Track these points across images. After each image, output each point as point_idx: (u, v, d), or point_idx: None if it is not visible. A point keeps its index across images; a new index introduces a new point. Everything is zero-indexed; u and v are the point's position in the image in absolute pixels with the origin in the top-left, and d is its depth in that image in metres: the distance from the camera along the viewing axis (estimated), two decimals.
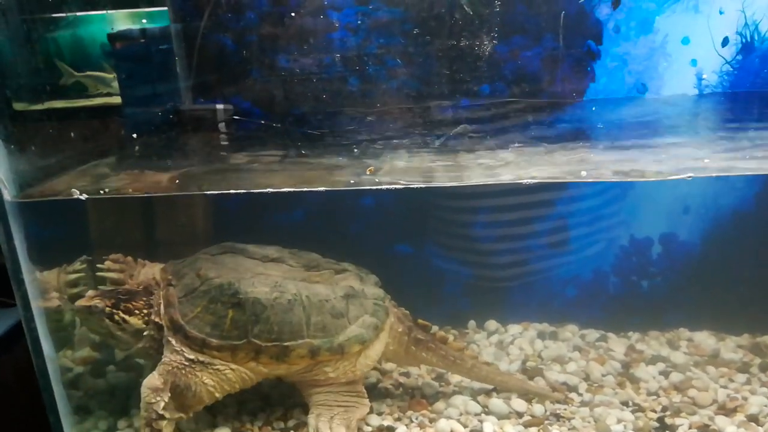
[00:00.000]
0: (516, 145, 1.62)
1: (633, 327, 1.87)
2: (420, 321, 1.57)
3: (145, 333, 1.42)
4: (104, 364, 1.74)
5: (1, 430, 1.71)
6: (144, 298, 1.43)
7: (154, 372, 1.38)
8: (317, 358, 1.41)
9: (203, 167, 1.72)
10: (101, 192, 1.39)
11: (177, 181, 1.52)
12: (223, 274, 1.44)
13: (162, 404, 1.35)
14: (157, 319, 1.42)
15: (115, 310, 1.39)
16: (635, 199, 1.88)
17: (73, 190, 1.35)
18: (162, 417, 1.35)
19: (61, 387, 1.45)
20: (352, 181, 1.39)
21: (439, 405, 1.56)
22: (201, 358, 1.38)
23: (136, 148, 1.85)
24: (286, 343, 1.39)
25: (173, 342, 1.39)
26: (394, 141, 1.69)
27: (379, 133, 1.75)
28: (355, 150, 1.60)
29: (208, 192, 1.55)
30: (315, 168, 1.55)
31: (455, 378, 1.68)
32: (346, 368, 1.44)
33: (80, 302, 1.39)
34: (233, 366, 1.39)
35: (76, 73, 1.92)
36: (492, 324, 1.94)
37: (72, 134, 1.68)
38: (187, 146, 1.95)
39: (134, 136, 1.90)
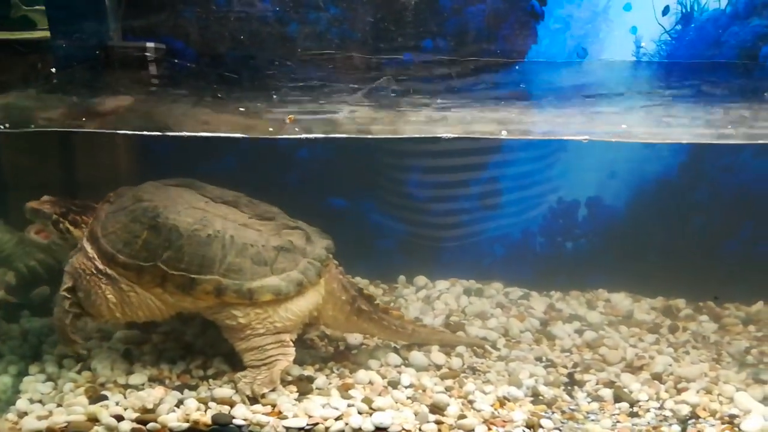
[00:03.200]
0: (439, 101, 1.60)
1: (556, 287, 1.92)
2: (366, 292, 1.55)
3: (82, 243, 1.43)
4: (19, 309, 1.69)
5: None
6: (89, 212, 1.46)
7: (69, 261, 1.43)
8: (223, 297, 1.38)
9: (116, 105, 1.64)
10: (1, 126, 1.32)
11: (84, 119, 1.45)
12: (154, 198, 1.42)
13: (69, 284, 1.41)
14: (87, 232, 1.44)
15: (62, 219, 1.43)
16: (566, 163, 1.91)
17: None
18: (65, 297, 1.41)
19: None
20: (271, 129, 1.36)
21: (361, 357, 1.58)
22: (108, 272, 1.39)
23: (54, 82, 1.76)
24: (193, 275, 1.38)
25: (89, 250, 1.41)
26: (321, 90, 1.64)
27: (306, 80, 1.70)
28: (275, 96, 1.55)
29: (117, 131, 1.50)
30: (237, 112, 1.50)
31: None
32: (260, 317, 1.40)
33: (31, 203, 1.44)
34: (138, 290, 1.40)
35: (24, 7, 1.82)
36: (421, 279, 1.96)
37: None
38: (108, 83, 1.85)
39: (53, 70, 1.80)
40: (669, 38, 1.92)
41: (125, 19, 1.99)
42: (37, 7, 1.87)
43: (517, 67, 1.97)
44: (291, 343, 1.45)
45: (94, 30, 1.96)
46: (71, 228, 1.43)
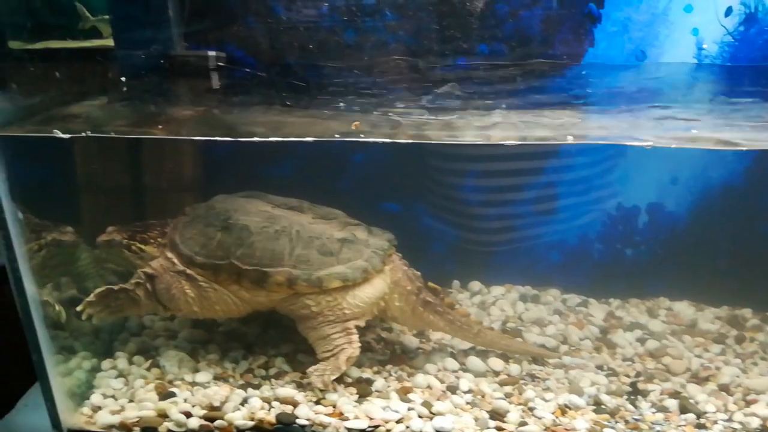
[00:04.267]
0: (504, 106, 1.60)
1: (614, 294, 1.89)
2: (431, 284, 1.59)
3: (153, 255, 1.53)
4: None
5: None
6: (159, 229, 1.56)
7: (152, 262, 1.52)
8: (294, 287, 1.46)
9: (189, 112, 1.70)
10: (83, 133, 1.38)
11: (160, 126, 1.51)
12: (225, 206, 1.55)
13: (149, 271, 1.49)
14: (165, 242, 1.53)
15: (132, 242, 1.53)
16: (626, 168, 1.88)
17: (54, 130, 1.33)
18: (140, 277, 1.49)
19: (45, 327, 1.47)
20: (337, 135, 1.38)
21: (419, 361, 1.59)
22: (188, 272, 1.49)
23: (124, 89, 1.83)
24: (265, 269, 1.46)
25: (169, 255, 1.51)
26: (384, 97, 1.67)
27: (368, 87, 1.73)
28: (341, 104, 1.58)
29: (195, 138, 1.55)
30: (301, 119, 1.54)
31: (436, 335, 1.70)
32: (330, 304, 1.48)
33: (101, 237, 1.53)
34: (216, 287, 1.49)
35: (92, 17, 1.91)
36: (476, 285, 1.96)
37: (57, 74, 1.66)
38: (175, 92, 1.92)
39: (123, 79, 1.87)
40: (732, 40, 1.87)
41: (188, 28, 2.05)
42: (104, 16, 1.95)
43: (573, 71, 1.96)
44: (355, 332, 1.50)
45: (159, 39, 2.03)
46: (143, 247, 1.54)
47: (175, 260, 1.49)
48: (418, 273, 1.59)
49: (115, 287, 1.48)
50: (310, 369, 1.46)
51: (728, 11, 1.85)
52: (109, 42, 1.96)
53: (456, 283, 1.98)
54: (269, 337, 1.67)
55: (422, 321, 1.58)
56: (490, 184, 1.94)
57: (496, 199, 1.94)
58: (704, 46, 1.89)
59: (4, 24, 1.60)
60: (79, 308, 1.46)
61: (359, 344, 1.48)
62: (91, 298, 1.47)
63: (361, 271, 1.48)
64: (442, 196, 1.99)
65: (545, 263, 1.96)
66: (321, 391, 1.43)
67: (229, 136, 1.40)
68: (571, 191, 1.91)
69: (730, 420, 1.39)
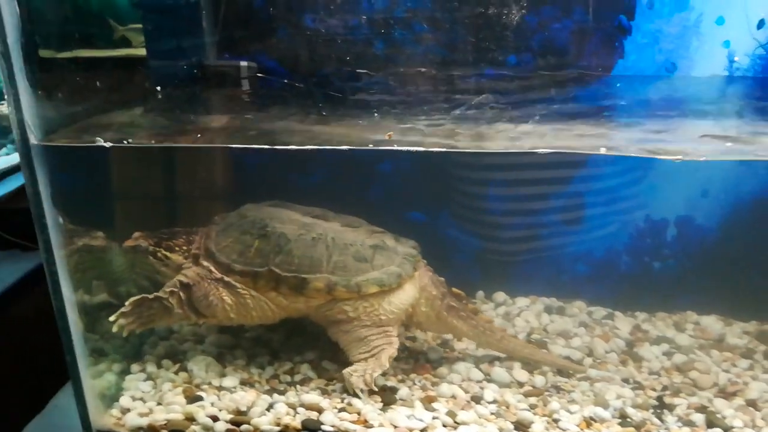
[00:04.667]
0: (537, 117, 1.61)
1: (641, 307, 1.87)
2: (454, 289, 1.62)
3: (184, 265, 1.55)
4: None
5: (20, 367, 1.79)
6: (184, 237, 1.58)
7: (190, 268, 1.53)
8: (333, 293, 1.49)
9: (224, 121, 1.74)
10: (125, 142, 1.42)
11: (199, 135, 1.55)
12: (258, 214, 1.58)
13: (184, 280, 1.50)
14: (196, 252, 1.55)
15: (157, 248, 1.55)
16: (654, 180, 1.87)
17: (97, 138, 1.37)
18: (176, 286, 1.49)
19: (79, 329, 1.51)
20: (370, 145, 1.40)
21: (443, 370, 1.60)
22: (226, 279, 1.51)
23: (160, 98, 1.87)
24: (304, 276, 1.49)
25: (204, 264, 1.53)
26: (416, 107, 1.69)
27: (401, 98, 1.75)
28: (376, 114, 1.60)
29: (233, 146, 1.58)
30: (335, 129, 1.57)
31: (460, 345, 1.71)
32: (366, 310, 1.51)
33: (127, 242, 1.56)
34: (254, 293, 1.51)
35: (120, 27, 1.96)
36: (500, 296, 1.96)
37: (98, 83, 1.70)
38: (210, 101, 1.96)
39: (158, 88, 1.92)
40: (764, 52, 1.85)
41: (221, 39, 2.09)
42: (132, 26, 2.00)
43: (604, 82, 1.95)
44: (395, 333, 1.53)
45: (192, 49, 2.07)
46: (168, 254, 1.56)
47: (212, 268, 1.51)
48: (442, 279, 1.61)
49: (150, 296, 1.49)
50: (347, 371, 1.48)
51: (761, 24, 1.83)
52: (139, 51, 2.02)
53: (480, 293, 1.98)
54: (294, 344, 1.69)
55: (446, 326, 1.60)
56: (515, 193, 1.94)
57: (522, 208, 1.95)
58: (736, 58, 1.88)
59: (36, 32, 1.65)
60: (111, 318, 1.46)
61: (398, 344, 1.52)
62: (125, 308, 1.47)
63: (396, 276, 1.52)
64: (468, 206, 2.00)
65: (571, 275, 1.95)
66: (364, 391, 1.45)
67: (263, 144, 1.43)
68: (598, 202, 1.90)
69: None
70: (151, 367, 1.60)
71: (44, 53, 1.60)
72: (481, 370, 1.59)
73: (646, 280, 1.89)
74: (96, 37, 1.93)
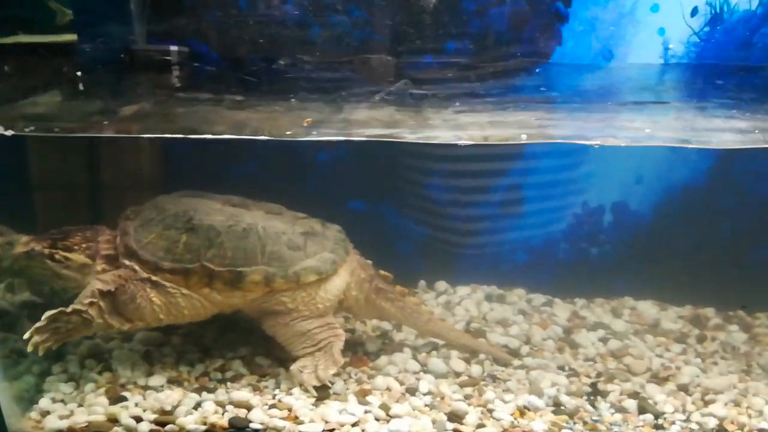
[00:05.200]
0: (457, 104, 1.58)
1: (580, 294, 1.89)
2: (382, 271, 1.59)
3: (98, 268, 1.43)
4: (44, 310, 1.71)
5: None
6: (80, 235, 1.46)
7: (109, 272, 1.42)
8: (272, 285, 1.43)
9: (136, 108, 1.66)
10: (26, 130, 1.33)
11: (106, 122, 1.47)
12: (179, 205, 1.48)
13: (102, 287, 1.38)
14: (108, 251, 1.44)
15: (53, 250, 1.42)
16: (590, 167, 1.87)
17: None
18: (94, 295, 1.37)
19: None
20: (288, 132, 1.36)
21: (380, 362, 1.57)
22: (153, 279, 1.41)
23: (78, 85, 1.78)
24: (240, 269, 1.42)
25: (126, 263, 1.42)
26: (337, 93, 1.64)
27: (325, 83, 1.70)
28: (293, 99, 1.56)
29: (145, 135, 1.50)
30: (254, 115, 1.52)
31: (399, 336, 1.69)
32: (305, 300, 1.47)
33: (17, 249, 1.41)
34: (185, 291, 1.42)
35: (68, 11, 1.86)
36: (441, 285, 1.94)
37: (7, 68, 1.61)
38: (132, 88, 1.87)
39: (79, 74, 1.82)
40: (698, 40, 1.87)
41: (149, 23, 2.01)
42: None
43: (540, 70, 1.94)
44: (337, 324, 1.50)
45: (119, 33, 1.98)
46: (68, 255, 1.43)
47: (137, 268, 1.41)
48: (369, 261, 1.59)
49: (67, 310, 1.36)
50: (295, 367, 1.44)
51: (694, 11, 1.84)
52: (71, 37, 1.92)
53: (422, 283, 1.96)
54: (227, 340, 1.63)
55: (375, 309, 1.58)
56: (457, 184, 1.92)
57: (463, 198, 1.93)
58: (671, 46, 1.89)
59: None
60: (25, 336, 1.34)
61: (344, 335, 1.49)
62: (40, 322, 1.35)
63: (331, 262, 1.49)
64: (410, 195, 1.97)
65: (511, 263, 1.95)
66: (316, 388, 1.41)
67: (172, 132, 1.37)
68: (537, 191, 1.90)
69: (687, 420, 1.39)
70: (73, 368, 1.52)
71: None
72: (418, 360, 1.57)
73: (585, 266, 1.91)
74: (37, 22, 1.84)
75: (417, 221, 1.97)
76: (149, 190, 1.79)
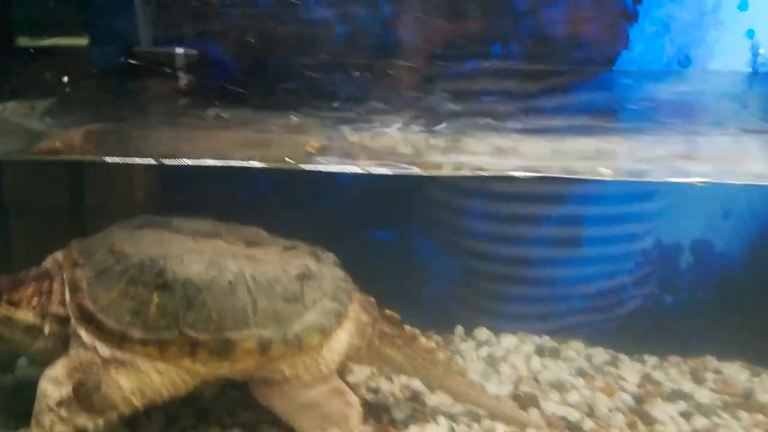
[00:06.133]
0: (509, 124, 1.30)
1: (650, 350, 1.57)
2: (386, 311, 1.30)
3: (45, 329, 1.15)
4: (14, 357, 1.47)
5: None
6: (34, 284, 1.17)
7: (58, 361, 1.12)
8: (269, 353, 1.14)
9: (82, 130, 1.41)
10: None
11: (87, 138, 1.22)
12: (141, 249, 1.16)
13: (57, 396, 1.08)
14: (59, 310, 1.15)
15: None
16: (665, 200, 1.57)
17: None
18: (52, 410, 1.08)
19: None
20: (287, 159, 1.09)
21: (411, 429, 1.29)
22: (119, 356, 1.11)
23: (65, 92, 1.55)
24: (228, 335, 1.12)
25: (83, 335, 1.12)
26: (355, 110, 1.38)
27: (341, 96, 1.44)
28: (293, 117, 1.28)
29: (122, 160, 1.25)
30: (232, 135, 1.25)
31: (433, 400, 1.40)
32: (306, 364, 1.18)
33: None
34: (161, 366, 1.12)
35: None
36: (483, 332, 1.65)
37: None
38: (118, 98, 1.63)
39: (64, 80, 1.59)
40: None
41: (156, 21, 1.79)
42: None
43: (604, 78, 1.67)
44: (346, 388, 1.22)
45: (122, 33, 1.76)
46: (13, 310, 1.15)
47: (94, 340, 1.11)
48: (372, 299, 1.30)
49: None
50: None
51: None
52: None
53: (459, 329, 1.67)
54: (227, 400, 1.36)
55: (378, 357, 1.30)
56: (503, 216, 1.63)
57: (511, 232, 1.64)
58: (761, 50, 1.60)
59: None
60: None
61: (358, 402, 1.21)
62: None
63: (335, 315, 1.19)
64: (448, 226, 1.68)
65: (567, 309, 1.65)
66: None
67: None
68: (599, 224, 1.60)
69: None
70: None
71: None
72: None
73: (656, 317, 1.60)
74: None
75: (455, 256, 1.69)
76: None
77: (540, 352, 1.58)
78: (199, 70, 1.76)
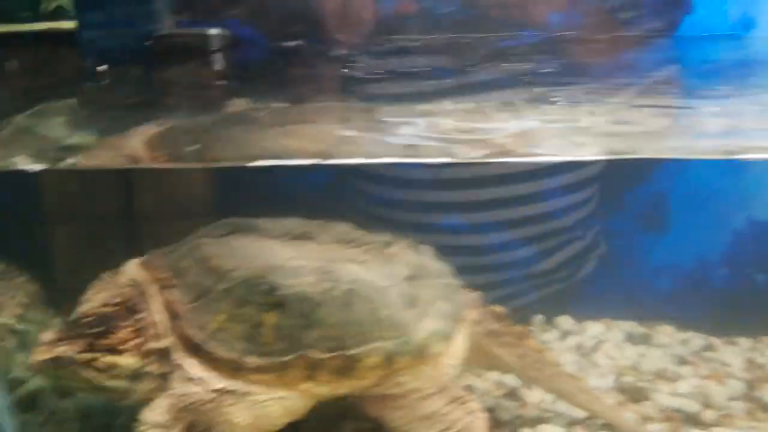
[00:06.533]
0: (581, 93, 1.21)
1: (742, 332, 1.52)
2: (494, 307, 1.21)
3: (150, 369, 1.00)
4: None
5: None
6: (126, 319, 1.01)
7: (158, 401, 0.98)
8: (393, 366, 1.03)
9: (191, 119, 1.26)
10: (61, 163, 0.93)
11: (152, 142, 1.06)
12: (243, 263, 1.03)
13: None
14: (156, 345, 1.00)
15: (93, 354, 0.96)
16: (757, 173, 1.50)
17: (14, 160, 0.88)
18: None
19: (7, 414, 1.03)
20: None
21: None
22: (232, 387, 0.98)
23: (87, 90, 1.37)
24: (351, 352, 1.01)
25: (189, 369, 0.98)
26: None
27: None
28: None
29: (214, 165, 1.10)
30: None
31: (533, 397, 1.32)
32: (428, 375, 1.08)
33: (37, 356, 0.96)
34: (280, 393, 1.00)
35: None
36: (565, 321, 1.56)
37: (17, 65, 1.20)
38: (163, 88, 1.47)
39: (99, 69, 1.41)
40: None
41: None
42: None
43: (667, 43, 1.59)
44: (469, 397, 1.12)
45: (143, 15, 1.59)
46: (114, 359, 0.97)
47: (203, 374, 0.97)
48: (476, 293, 1.21)
49: None
50: None
51: None
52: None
53: (540, 317, 1.59)
54: (328, 411, 1.24)
55: (484, 358, 1.21)
56: (577, 194, 1.55)
57: (587, 210, 1.56)
58: None
59: None
60: None
61: (484, 412, 1.11)
62: None
63: (452, 318, 1.10)
64: (520, 206, 1.58)
65: (653, 291, 1.58)
66: None
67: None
68: (687, 202, 1.54)
69: None
70: None
71: None
72: None
73: (749, 297, 1.54)
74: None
75: (528, 238, 1.59)
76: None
77: (631, 339, 1.51)
78: (232, 53, 1.62)
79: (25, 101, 1.21)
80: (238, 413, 0.98)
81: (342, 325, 1.01)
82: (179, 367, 0.99)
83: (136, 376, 0.99)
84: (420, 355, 1.05)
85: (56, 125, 1.21)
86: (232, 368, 0.98)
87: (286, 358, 0.98)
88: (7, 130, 1.08)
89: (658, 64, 1.59)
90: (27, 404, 1.17)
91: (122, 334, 0.99)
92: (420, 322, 1.06)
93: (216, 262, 1.03)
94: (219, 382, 0.97)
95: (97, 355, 0.96)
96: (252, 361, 0.98)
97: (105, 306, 1.02)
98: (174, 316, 1.00)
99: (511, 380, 1.37)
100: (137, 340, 0.99)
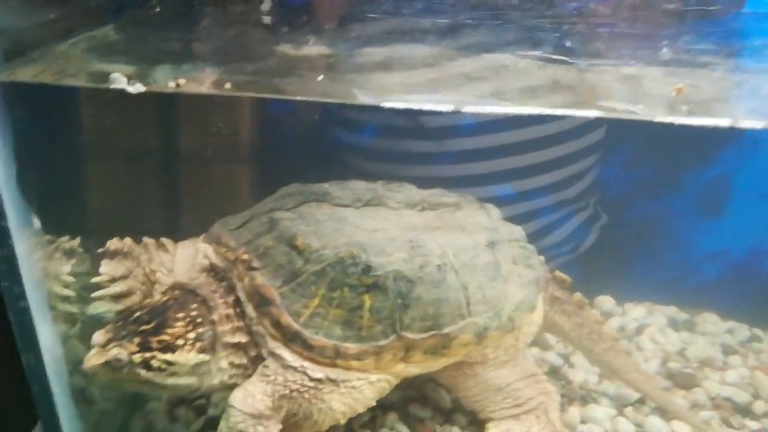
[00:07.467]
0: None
1: None
2: (557, 273, 1.20)
3: (220, 363, 0.93)
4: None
5: None
6: (182, 314, 0.91)
7: (252, 387, 0.91)
8: (484, 341, 1.01)
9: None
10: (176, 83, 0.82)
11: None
12: (330, 240, 0.96)
13: None
14: (237, 338, 0.93)
15: (148, 354, 0.87)
16: None
17: (114, 75, 0.77)
18: None
19: (68, 398, 0.94)
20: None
21: (570, 417, 1.15)
22: (332, 375, 0.93)
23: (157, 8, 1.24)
24: (445, 330, 0.97)
25: (287, 357, 0.92)
26: None
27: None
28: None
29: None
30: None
31: (577, 376, 1.27)
32: (508, 344, 1.05)
33: (90, 360, 0.86)
34: (374, 376, 0.96)
35: None
36: (606, 301, 1.52)
37: None
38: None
39: None
40: None
41: None
42: None
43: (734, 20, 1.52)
44: (544, 376, 1.09)
45: None
46: (170, 357, 0.88)
47: (302, 361, 0.91)
48: (542, 258, 1.17)
49: None
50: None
51: None
52: None
53: (578, 296, 1.53)
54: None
55: (546, 323, 1.17)
56: (630, 171, 1.49)
57: (636, 192, 1.50)
58: None
59: None
60: None
61: (557, 393, 1.08)
62: None
63: (535, 283, 1.08)
64: (570, 180, 1.52)
65: (697, 277, 1.54)
66: None
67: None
68: (743, 184, 1.49)
69: None
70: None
71: None
72: (627, 417, 1.16)
73: None
74: None
75: (575, 214, 1.53)
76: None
77: (673, 324, 1.47)
78: None
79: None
80: (335, 401, 0.93)
81: (436, 304, 0.97)
82: (274, 355, 0.92)
83: (198, 370, 0.91)
84: (508, 328, 1.02)
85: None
86: (332, 355, 0.92)
87: (383, 342, 0.93)
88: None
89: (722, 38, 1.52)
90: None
91: (177, 325, 0.90)
92: (506, 293, 1.03)
93: (301, 240, 0.95)
94: (319, 371, 0.92)
95: (153, 352, 0.88)
96: (351, 346, 0.93)
97: (164, 294, 0.94)
98: (266, 302, 0.92)
99: (553, 358, 1.33)
100: (192, 333, 0.90)
